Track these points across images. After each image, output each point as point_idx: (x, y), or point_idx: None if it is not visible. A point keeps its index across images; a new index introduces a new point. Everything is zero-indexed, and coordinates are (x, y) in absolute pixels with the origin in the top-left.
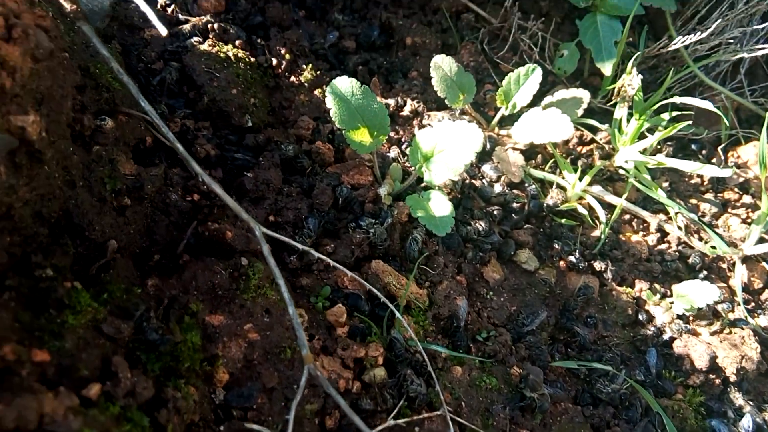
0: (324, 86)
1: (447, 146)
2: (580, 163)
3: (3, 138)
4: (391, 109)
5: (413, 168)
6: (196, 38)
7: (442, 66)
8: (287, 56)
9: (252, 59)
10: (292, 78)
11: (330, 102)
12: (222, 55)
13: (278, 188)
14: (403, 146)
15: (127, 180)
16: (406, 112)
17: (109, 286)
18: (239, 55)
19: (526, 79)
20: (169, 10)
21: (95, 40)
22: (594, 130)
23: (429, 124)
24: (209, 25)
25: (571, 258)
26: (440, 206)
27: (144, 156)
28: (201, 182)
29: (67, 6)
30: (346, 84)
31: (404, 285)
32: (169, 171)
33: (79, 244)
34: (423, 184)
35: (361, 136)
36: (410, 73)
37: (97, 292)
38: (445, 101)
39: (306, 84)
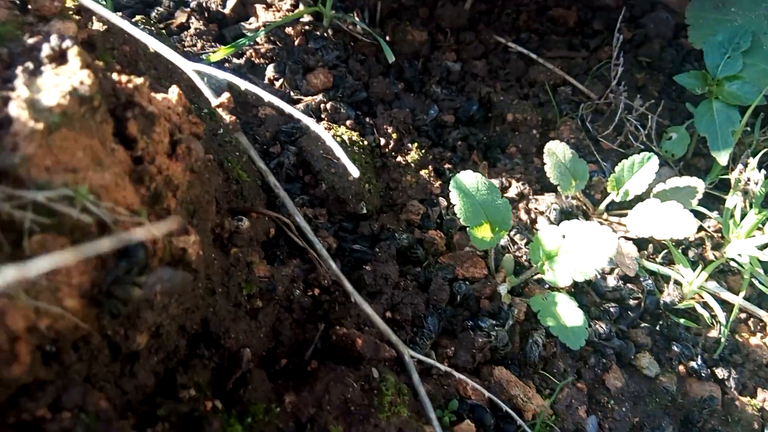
0: (429, 166)
1: (574, 247)
2: (691, 253)
3: (183, 277)
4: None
5: (533, 264)
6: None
7: (556, 152)
8: (394, 135)
9: (363, 141)
10: (399, 158)
11: (455, 198)
12: (337, 139)
13: (395, 282)
14: (512, 232)
15: (261, 282)
16: (511, 193)
17: (250, 406)
18: (353, 138)
19: (640, 167)
20: (278, 84)
21: (253, 154)
22: (701, 216)
23: (536, 209)
24: (322, 105)
25: (693, 364)
26: (571, 314)
27: (267, 249)
28: (323, 276)
29: (227, 118)
30: (470, 179)
31: (530, 396)
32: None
33: (213, 353)
34: (535, 274)
35: (483, 232)
36: (509, 149)
37: (240, 413)
38: (558, 188)
39: (412, 164)
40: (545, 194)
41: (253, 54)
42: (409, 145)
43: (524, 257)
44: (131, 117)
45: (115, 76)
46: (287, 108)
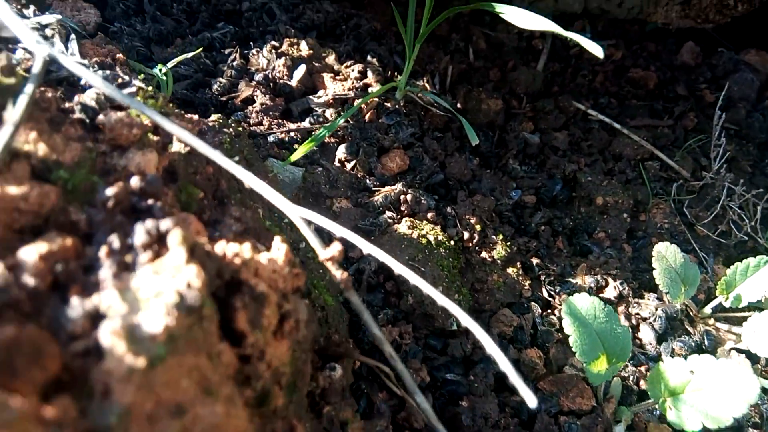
0: (517, 263)
1: (706, 387)
2: None
3: None
4: (590, 286)
5: (651, 397)
6: (389, 213)
7: (667, 257)
8: (477, 226)
9: (449, 241)
10: (483, 253)
11: (569, 327)
12: (423, 240)
13: (495, 421)
14: None
15: None
16: (609, 294)
17: None
18: (439, 237)
19: (755, 271)
20: (349, 165)
21: (367, 316)
22: None
23: (638, 314)
24: (401, 197)
25: None
26: None
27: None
28: (414, 418)
29: (337, 274)
30: (586, 304)
31: None
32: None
33: None
34: (653, 409)
35: (599, 365)
36: (597, 234)
37: None
38: (666, 296)
39: (498, 261)
40: (646, 294)
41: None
42: (493, 236)
43: (631, 378)
44: (240, 306)
45: (219, 248)
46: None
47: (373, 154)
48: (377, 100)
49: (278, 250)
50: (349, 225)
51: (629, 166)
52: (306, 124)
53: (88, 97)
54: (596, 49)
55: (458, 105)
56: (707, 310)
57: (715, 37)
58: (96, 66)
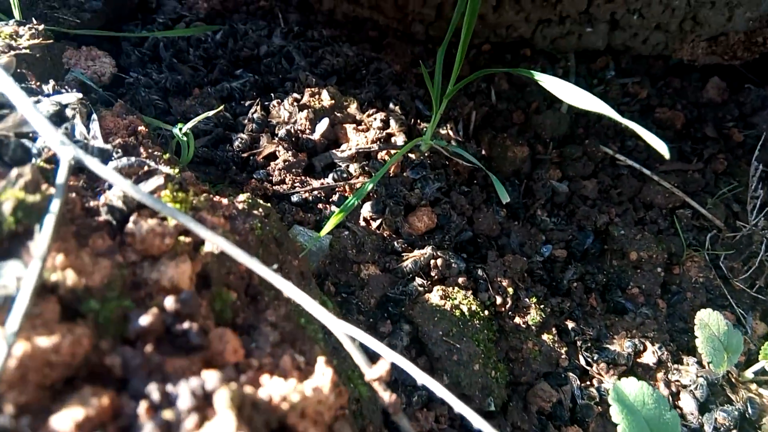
0: (553, 329)
1: None
2: None
3: None
4: (628, 352)
5: None
6: (419, 280)
7: (710, 324)
8: (509, 289)
9: (484, 311)
10: (517, 318)
11: (617, 416)
12: (456, 312)
13: None
14: None
15: None
16: (647, 359)
17: None
18: (473, 308)
19: None
20: (374, 224)
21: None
22: None
23: (678, 381)
24: (431, 261)
25: None
26: None
27: None
28: None
29: (385, 396)
30: (634, 390)
31: None
32: None
33: None
34: None
35: None
36: (630, 289)
37: None
38: (709, 365)
39: (533, 327)
40: (685, 358)
41: (347, 189)
42: (526, 299)
43: None
44: None
45: (265, 393)
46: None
47: (400, 213)
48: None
49: (323, 375)
50: (379, 293)
51: (661, 215)
52: (330, 180)
53: (115, 196)
54: (662, 148)
55: (483, 152)
56: (749, 374)
57: (741, 72)
58: (120, 151)
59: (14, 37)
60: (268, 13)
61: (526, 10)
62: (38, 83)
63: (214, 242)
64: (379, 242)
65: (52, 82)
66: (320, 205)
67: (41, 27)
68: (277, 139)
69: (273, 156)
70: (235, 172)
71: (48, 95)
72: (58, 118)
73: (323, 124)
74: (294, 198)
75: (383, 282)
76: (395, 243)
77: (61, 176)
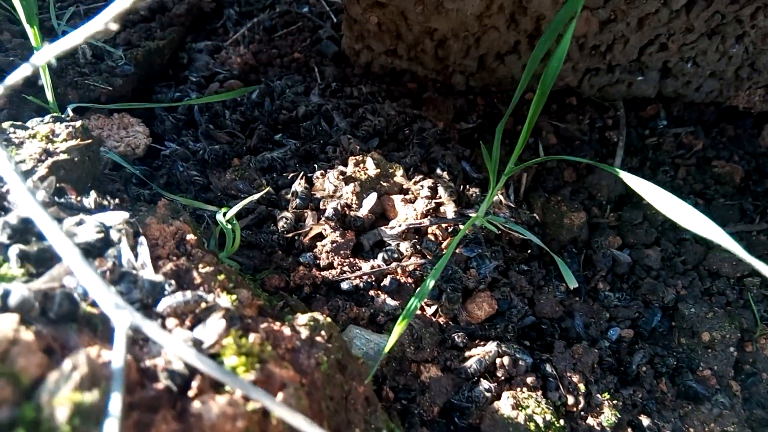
0: (628, 429)
1: None
2: None
3: None
4: None
5: None
6: (485, 384)
7: None
8: (581, 386)
9: (559, 420)
10: (590, 419)
11: None
12: (531, 425)
13: None
14: None
15: None
16: None
17: None
18: (548, 418)
19: None
20: (430, 310)
21: None
22: None
23: None
24: (497, 360)
25: None
26: None
27: None
28: None
29: None
30: None
31: None
32: None
33: None
34: None
35: None
36: (701, 371)
37: None
38: None
39: (608, 428)
40: None
41: (399, 272)
42: (599, 396)
43: None
44: None
45: None
46: None
47: (458, 300)
48: (453, 224)
49: None
50: (442, 399)
51: (729, 286)
52: (380, 261)
53: (174, 357)
54: None
55: (536, 217)
56: None
57: None
58: (173, 281)
59: (51, 138)
60: (303, 65)
61: (573, 59)
62: (78, 198)
63: (288, 419)
64: (437, 334)
65: (93, 195)
66: (372, 292)
67: (78, 123)
68: (323, 218)
69: (319, 236)
70: (281, 257)
71: (90, 211)
72: (104, 243)
73: (371, 200)
74: (344, 285)
75: (446, 385)
76: (455, 336)
77: (118, 356)
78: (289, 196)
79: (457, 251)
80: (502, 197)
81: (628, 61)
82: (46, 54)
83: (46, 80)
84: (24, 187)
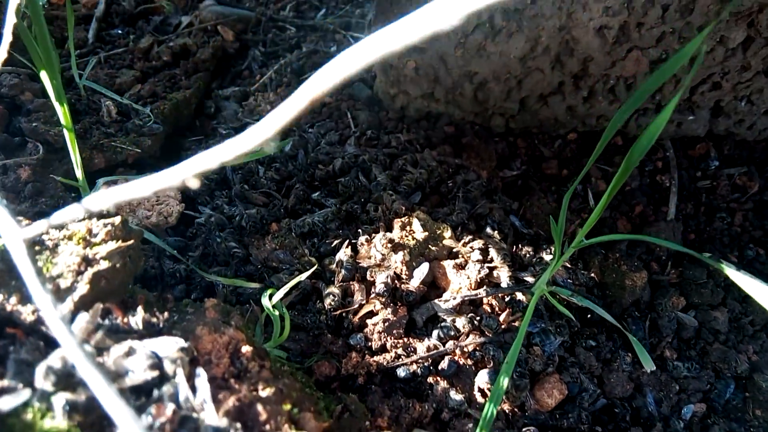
0: None
1: None
2: None
3: None
4: None
5: None
6: None
7: None
8: None
9: None
10: None
11: None
12: None
13: None
14: None
15: None
16: None
17: None
18: None
19: None
20: (480, 391)
21: None
22: None
23: None
24: None
25: None
26: None
27: None
28: None
29: None
30: None
31: None
32: None
33: None
34: None
35: None
36: None
37: None
38: None
39: None
40: None
41: (458, 353)
42: None
43: None
44: None
45: None
46: None
47: (526, 387)
48: (509, 294)
49: None
50: None
51: None
52: (435, 340)
53: None
54: None
55: (594, 277)
56: None
57: None
58: (238, 427)
59: (89, 239)
60: (335, 110)
61: (621, 100)
62: (125, 320)
63: None
64: (505, 429)
65: (140, 314)
66: (431, 379)
67: (118, 220)
68: (374, 293)
69: (373, 313)
70: (330, 339)
71: (138, 333)
72: (159, 378)
73: (423, 270)
74: (401, 373)
75: None
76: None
77: None
78: (334, 266)
79: (515, 324)
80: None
81: (678, 100)
82: (98, 202)
83: (75, 159)
84: (64, 329)
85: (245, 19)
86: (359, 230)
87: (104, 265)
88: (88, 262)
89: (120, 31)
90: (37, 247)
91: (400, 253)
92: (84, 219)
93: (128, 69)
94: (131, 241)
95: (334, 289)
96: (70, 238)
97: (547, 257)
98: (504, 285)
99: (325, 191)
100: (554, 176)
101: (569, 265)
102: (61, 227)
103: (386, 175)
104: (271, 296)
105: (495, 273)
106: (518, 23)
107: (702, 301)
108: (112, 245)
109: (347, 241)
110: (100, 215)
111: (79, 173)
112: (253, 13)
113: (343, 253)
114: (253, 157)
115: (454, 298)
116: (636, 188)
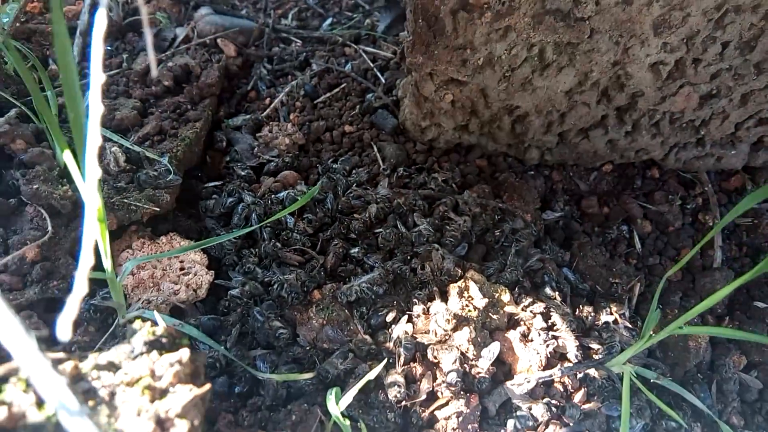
0: None
1: None
2: None
3: None
4: None
5: None
6: None
7: None
8: None
9: None
10: None
11: None
12: None
13: None
14: None
15: None
16: None
17: None
18: None
19: None
20: None
21: None
22: None
23: None
24: None
25: None
26: None
27: None
28: None
29: None
30: None
31: None
32: None
33: None
34: None
35: None
36: None
37: None
38: None
39: None
40: None
41: None
42: None
43: None
44: None
45: None
46: None
47: None
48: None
49: None
50: None
51: None
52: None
53: None
54: None
55: (652, 334)
56: None
57: None
58: None
59: (154, 386)
60: (357, 140)
61: (664, 134)
62: None
63: None
64: None
65: None
66: None
67: (186, 357)
68: (445, 384)
69: (443, 404)
70: None
71: None
72: None
73: (493, 351)
74: None
75: None
76: None
77: None
78: (390, 344)
79: (591, 404)
80: (616, 315)
81: (722, 135)
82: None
83: (104, 248)
84: None
85: (246, 31)
86: (412, 297)
87: (182, 427)
88: (161, 423)
89: (109, 48)
90: (90, 402)
91: (465, 329)
92: (143, 355)
93: (126, 98)
94: (206, 388)
95: (398, 377)
96: (130, 385)
97: (607, 317)
98: (572, 356)
99: (364, 245)
100: (595, 215)
101: (629, 325)
102: (113, 367)
103: (428, 224)
104: (336, 398)
105: (560, 342)
106: (570, 57)
107: (763, 359)
108: (185, 394)
109: (403, 313)
110: (158, 344)
111: (107, 264)
112: (254, 23)
113: (402, 329)
114: (288, 210)
115: (528, 381)
116: (680, 228)
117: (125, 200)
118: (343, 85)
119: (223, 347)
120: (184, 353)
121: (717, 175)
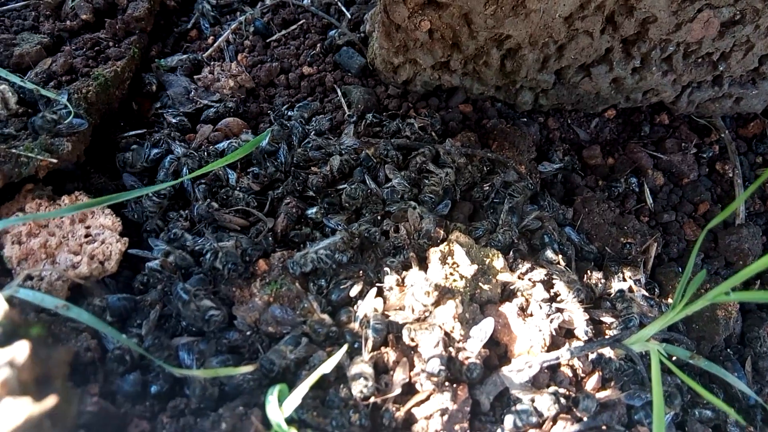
0: None
1: None
2: None
3: None
4: None
5: None
6: None
7: None
8: None
9: None
10: None
11: None
12: None
13: None
14: None
15: None
16: None
17: None
18: None
19: None
20: None
21: None
22: None
23: None
24: None
25: None
26: None
27: None
28: None
29: None
30: None
31: None
32: None
33: None
34: None
35: None
36: None
37: None
38: None
39: None
40: None
41: None
42: None
43: None
44: None
45: None
46: None
47: None
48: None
49: None
50: None
51: None
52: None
53: None
54: None
55: (671, 301)
56: None
57: None
58: None
59: None
60: (318, 84)
61: (677, 71)
62: None
63: None
64: None
65: None
66: None
67: (24, 354)
68: (425, 374)
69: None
70: None
71: None
72: None
73: (485, 330)
74: None
75: None
76: None
77: None
78: (355, 324)
79: (607, 392)
80: (631, 282)
81: (743, 71)
82: None
83: None
84: None
85: None
86: (383, 266)
87: None
88: None
89: None
90: None
91: (450, 304)
92: None
93: (32, 32)
94: (48, 402)
95: (365, 367)
96: None
97: (620, 284)
98: (581, 333)
99: (324, 205)
100: (599, 167)
101: (646, 293)
102: None
103: (402, 178)
104: (280, 399)
105: (567, 316)
106: None
107: None
108: (13, 412)
109: (372, 285)
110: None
111: None
112: None
113: (370, 306)
114: (225, 161)
115: (529, 366)
116: (696, 180)
117: (13, 150)
118: (301, 21)
119: (133, 335)
120: (20, 350)
121: (732, 121)
